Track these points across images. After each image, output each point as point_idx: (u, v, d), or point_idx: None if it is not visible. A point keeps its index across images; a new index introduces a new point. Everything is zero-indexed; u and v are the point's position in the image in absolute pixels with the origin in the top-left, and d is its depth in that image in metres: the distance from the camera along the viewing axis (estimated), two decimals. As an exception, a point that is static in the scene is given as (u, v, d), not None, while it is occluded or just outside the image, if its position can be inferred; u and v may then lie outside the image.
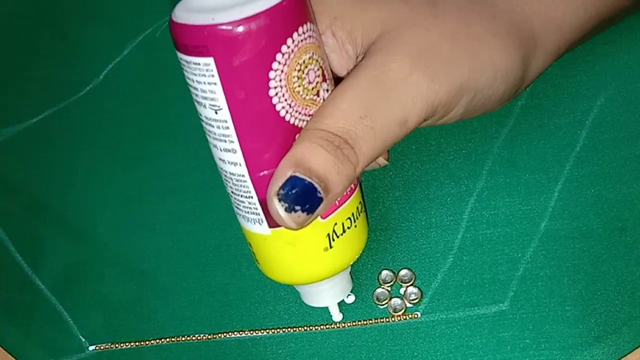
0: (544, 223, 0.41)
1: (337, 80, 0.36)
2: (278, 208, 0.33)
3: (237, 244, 0.44)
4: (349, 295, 0.41)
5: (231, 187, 0.36)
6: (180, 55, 0.33)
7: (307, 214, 0.33)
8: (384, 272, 0.42)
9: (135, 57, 0.52)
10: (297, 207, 0.33)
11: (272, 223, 0.35)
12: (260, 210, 0.35)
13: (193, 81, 0.33)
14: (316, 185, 0.33)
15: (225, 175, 0.35)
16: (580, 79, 0.45)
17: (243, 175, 0.34)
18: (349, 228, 0.37)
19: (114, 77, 0.52)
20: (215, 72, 0.32)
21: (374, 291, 0.41)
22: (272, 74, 0.32)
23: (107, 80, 0.52)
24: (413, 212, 0.43)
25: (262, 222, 0.36)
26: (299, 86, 0.33)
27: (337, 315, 0.41)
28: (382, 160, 0.41)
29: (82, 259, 0.46)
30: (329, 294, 0.39)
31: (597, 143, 0.43)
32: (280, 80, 0.33)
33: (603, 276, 0.40)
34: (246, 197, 0.35)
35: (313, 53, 0.34)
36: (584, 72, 0.45)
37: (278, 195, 0.33)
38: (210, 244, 0.45)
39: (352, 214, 0.37)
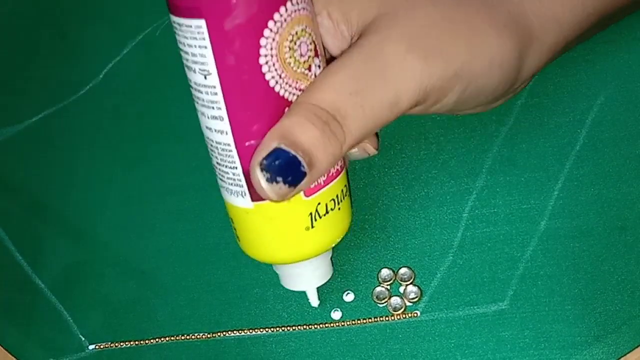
0: (544, 222, 0.41)
1: (332, 61, 0.36)
2: (260, 178, 0.33)
3: (236, 242, 0.44)
4: (348, 293, 0.41)
5: (216, 157, 0.35)
6: (173, 18, 0.33)
7: (289, 187, 0.33)
8: (384, 271, 0.42)
9: (135, 57, 0.52)
10: (279, 179, 0.33)
11: (255, 196, 0.35)
12: (244, 182, 0.35)
13: (184, 45, 0.33)
14: (300, 158, 0.33)
15: (211, 145, 0.35)
16: (580, 78, 0.45)
17: (229, 144, 0.34)
18: (332, 209, 0.37)
19: (114, 76, 0.52)
20: (206, 35, 0.32)
21: (374, 290, 0.41)
22: (263, 41, 0.32)
23: (107, 80, 0.52)
24: (412, 210, 0.43)
25: (245, 194, 0.35)
26: (290, 57, 0.33)
27: (314, 301, 0.41)
28: (371, 150, 0.41)
29: (82, 259, 0.46)
30: (307, 278, 0.39)
31: (597, 142, 0.43)
32: (272, 49, 0.32)
33: (603, 275, 0.40)
34: (231, 167, 0.35)
35: (306, 26, 0.34)
36: (584, 71, 0.45)
37: (261, 165, 0.33)
38: (209, 243, 0.45)
39: (337, 196, 0.37)
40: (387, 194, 0.44)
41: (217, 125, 0.34)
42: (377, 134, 0.41)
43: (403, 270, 0.42)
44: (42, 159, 0.50)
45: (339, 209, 0.37)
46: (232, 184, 0.36)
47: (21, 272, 0.46)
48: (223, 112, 0.34)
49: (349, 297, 0.42)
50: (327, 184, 0.36)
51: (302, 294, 0.42)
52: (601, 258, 0.40)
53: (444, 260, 0.41)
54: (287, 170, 0.33)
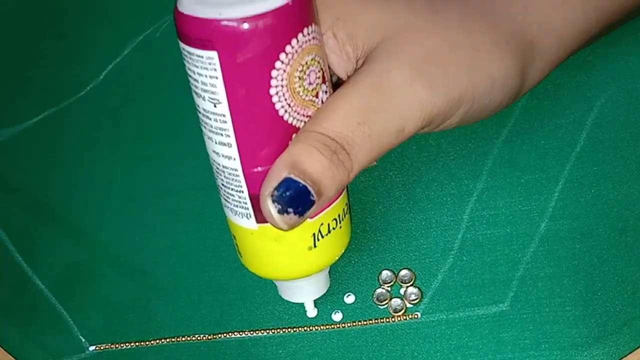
0: (544, 223, 0.41)
1: (336, 81, 0.36)
2: (271, 209, 0.33)
3: (237, 244, 0.44)
4: (349, 295, 0.41)
5: (222, 180, 0.36)
6: (183, 46, 0.33)
7: (299, 216, 0.33)
8: (384, 273, 0.42)
9: (135, 57, 0.52)
10: (290, 210, 0.33)
11: (260, 219, 0.35)
12: (249, 205, 0.35)
13: (194, 73, 0.33)
14: (310, 188, 0.33)
15: (217, 168, 0.35)
16: (581, 80, 0.45)
17: (236, 170, 0.34)
18: (334, 229, 0.37)
19: (114, 77, 0.52)
20: (217, 67, 0.32)
21: (374, 291, 0.41)
22: (274, 73, 0.32)
23: (107, 80, 0.52)
24: (413, 212, 0.43)
25: (250, 216, 0.36)
26: (300, 87, 0.33)
27: (311, 312, 0.41)
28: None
29: (82, 259, 0.46)
30: (306, 291, 0.40)
31: (598, 143, 0.43)
32: (282, 80, 0.33)
33: (603, 276, 0.40)
34: (237, 191, 0.35)
35: (315, 54, 0.34)
36: (584, 72, 0.45)
37: (272, 196, 0.33)
38: (210, 244, 0.45)
39: (338, 215, 0.37)
40: (388, 195, 0.44)
41: (224, 151, 0.34)
42: None
43: (404, 272, 0.42)
44: (42, 159, 0.50)
45: (340, 227, 0.38)
46: (237, 206, 0.36)
47: (21, 272, 0.46)
48: (232, 140, 0.34)
49: (349, 298, 0.42)
50: (330, 204, 0.36)
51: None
52: (601, 259, 0.40)
53: (445, 262, 0.42)
54: (297, 200, 0.33)
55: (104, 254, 0.46)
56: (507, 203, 0.42)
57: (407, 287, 0.41)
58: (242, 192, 0.35)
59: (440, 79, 0.35)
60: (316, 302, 0.41)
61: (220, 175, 0.36)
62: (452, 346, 0.40)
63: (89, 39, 0.54)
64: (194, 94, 0.34)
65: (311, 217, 0.36)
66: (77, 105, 0.51)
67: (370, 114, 0.34)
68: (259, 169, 0.34)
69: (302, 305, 0.42)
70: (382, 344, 0.40)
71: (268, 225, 0.35)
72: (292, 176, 0.33)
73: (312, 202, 0.33)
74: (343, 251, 0.39)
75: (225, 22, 0.31)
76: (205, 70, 0.32)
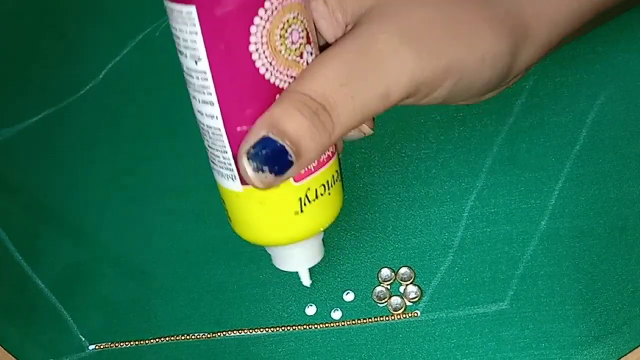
0: (544, 221, 0.41)
1: (325, 47, 0.36)
2: (246, 166, 0.33)
3: (235, 242, 0.44)
4: (348, 293, 0.41)
5: (207, 141, 0.36)
6: (165, 3, 0.33)
7: (275, 176, 0.33)
8: (384, 271, 0.42)
9: (134, 57, 0.52)
10: (265, 168, 0.33)
11: (244, 180, 0.35)
12: (234, 166, 0.35)
13: (176, 29, 0.33)
14: (287, 148, 0.33)
15: (203, 128, 0.36)
16: (581, 78, 0.44)
17: (219, 129, 0.34)
18: (322, 195, 0.37)
19: (114, 76, 0.52)
20: (196, 21, 0.32)
21: (374, 289, 0.41)
22: (253, 29, 0.32)
23: (107, 80, 0.52)
24: (413, 210, 0.43)
25: (235, 178, 0.36)
26: (282, 45, 0.33)
27: (306, 280, 0.41)
28: (367, 129, 0.41)
29: (82, 259, 0.46)
30: (298, 259, 0.40)
31: (598, 142, 0.43)
32: (262, 37, 0.32)
33: (603, 275, 0.40)
34: (221, 151, 0.35)
35: (298, 13, 0.34)
36: (584, 70, 0.45)
37: (248, 153, 0.33)
38: (209, 244, 0.45)
39: (327, 182, 0.37)
40: (387, 193, 0.44)
41: (208, 109, 0.34)
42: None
43: (403, 270, 0.42)
44: (42, 159, 0.50)
45: (329, 194, 0.37)
46: (222, 167, 0.36)
47: (21, 272, 0.46)
48: (213, 98, 0.34)
49: (349, 296, 0.42)
50: (318, 169, 0.36)
51: (301, 293, 0.42)
52: (601, 258, 0.40)
53: (444, 260, 0.41)
54: (274, 159, 0.33)
55: (104, 253, 0.46)
56: (507, 201, 0.42)
57: (407, 285, 0.41)
58: (226, 152, 0.35)
59: (429, 46, 0.35)
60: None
61: (206, 135, 0.36)
62: (451, 344, 0.40)
63: (88, 39, 0.54)
64: (178, 53, 0.34)
65: (296, 181, 0.36)
66: (76, 105, 0.51)
67: (354, 76, 0.34)
68: (243, 127, 0.34)
69: (301, 303, 0.42)
70: (381, 343, 0.40)
71: (253, 187, 0.35)
72: (271, 135, 0.33)
73: (290, 163, 0.33)
74: (332, 219, 0.39)
75: None
76: (185, 25, 0.32)
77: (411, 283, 0.41)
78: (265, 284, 0.43)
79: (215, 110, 0.34)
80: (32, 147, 0.51)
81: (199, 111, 0.35)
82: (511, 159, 0.43)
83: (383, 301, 0.41)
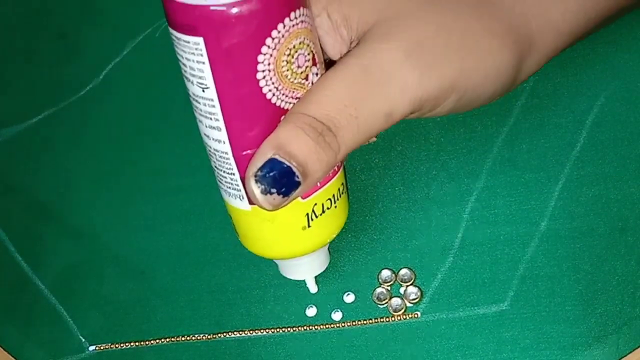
0: (544, 222, 0.41)
1: (330, 62, 0.36)
2: (254, 189, 0.33)
3: (236, 243, 0.44)
4: (349, 294, 0.41)
5: (214, 162, 0.36)
6: (171, 31, 0.33)
7: (283, 197, 0.33)
8: (384, 272, 0.42)
9: (134, 57, 0.52)
10: (274, 190, 0.33)
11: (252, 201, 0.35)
12: (241, 187, 0.35)
13: (182, 57, 0.33)
14: (294, 169, 0.33)
15: (209, 150, 0.36)
16: (581, 79, 0.44)
17: (226, 153, 0.35)
18: (328, 209, 0.37)
19: (114, 77, 0.52)
20: (204, 52, 0.32)
21: (374, 291, 0.41)
22: (260, 58, 0.32)
23: (107, 80, 0.52)
24: (413, 211, 0.43)
25: (242, 198, 0.36)
26: (288, 70, 0.33)
27: (313, 288, 0.41)
28: (371, 138, 0.41)
29: (82, 259, 0.46)
30: (306, 269, 0.40)
31: (598, 142, 0.43)
32: (269, 64, 0.33)
33: (603, 276, 0.40)
34: (228, 173, 0.35)
35: (304, 38, 0.34)
36: (584, 71, 0.45)
37: (256, 176, 0.33)
38: (209, 244, 0.45)
39: (333, 195, 0.37)
40: (388, 194, 0.44)
41: (214, 134, 0.34)
42: None
43: (403, 271, 0.42)
44: (42, 159, 0.50)
45: (335, 207, 0.38)
46: (230, 188, 0.36)
47: (21, 272, 0.46)
48: (221, 124, 0.34)
49: (349, 298, 0.42)
50: (324, 185, 0.37)
51: (302, 294, 0.42)
52: (602, 259, 0.40)
53: (445, 261, 0.41)
54: (282, 181, 0.33)
55: (104, 254, 0.46)
56: (507, 202, 0.42)
57: (407, 286, 0.41)
58: (234, 174, 0.35)
59: (433, 64, 0.35)
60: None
61: (213, 157, 0.36)
62: (452, 346, 0.40)
63: (88, 39, 0.54)
64: (184, 79, 0.34)
65: (303, 198, 0.36)
66: (76, 105, 0.51)
67: (358, 96, 0.34)
68: (249, 151, 0.34)
69: (301, 304, 0.42)
70: (381, 344, 0.40)
71: None
72: (277, 157, 0.33)
73: (298, 184, 0.33)
74: (339, 230, 0.39)
75: (210, 8, 0.31)
76: (193, 55, 0.33)
77: (411, 284, 0.41)
78: (265, 285, 0.43)
79: (223, 135, 0.34)
80: (32, 147, 0.51)
81: (205, 135, 0.35)
82: (511, 160, 0.43)
83: (383, 302, 0.41)
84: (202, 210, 0.46)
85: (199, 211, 0.46)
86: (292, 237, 0.37)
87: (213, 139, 0.35)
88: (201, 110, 0.34)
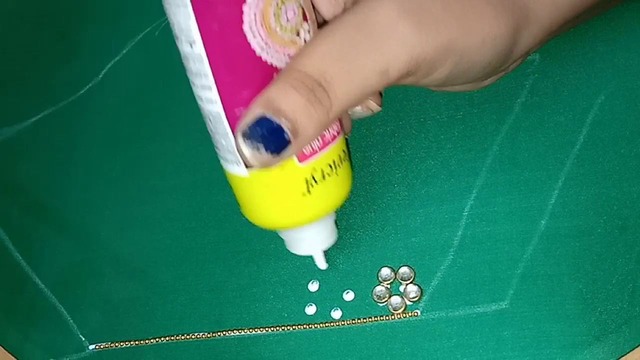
0: (544, 221, 0.41)
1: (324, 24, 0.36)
2: (243, 147, 0.32)
3: (235, 241, 0.44)
4: (348, 292, 0.41)
5: (210, 126, 0.35)
6: None
7: (272, 155, 0.33)
8: (384, 270, 0.42)
9: (134, 57, 0.52)
10: (262, 147, 0.32)
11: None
12: (236, 151, 0.35)
13: (170, 14, 0.33)
14: (284, 126, 0.32)
15: (204, 114, 0.35)
16: (581, 77, 0.44)
17: (219, 113, 0.34)
18: (329, 175, 0.36)
19: (113, 76, 0.52)
20: (188, 2, 0.32)
21: (374, 289, 0.41)
22: (245, 8, 0.32)
23: (107, 80, 0.52)
24: (413, 209, 0.43)
25: (239, 163, 0.35)
26: (276, 23, 0.33)
27: (322, 263, 0.40)
28: (374, 106, 0.40)
29: (82, 259, 0.46)
30: (311, 242, 0.39)
31: (598, 141, 0.43)
32: (255, 15, 0.32)
33: (603, 275, 0.40)
34: (223, 135, 0.35)
35: None
36: (584, 70, 0.45)
37: (244, 134, 0.32)
38: (208, 243, 0.45)
39: (333, 162, 0.36)
40: (387, 192, 0.44)
41: (206, 94, 0.34)
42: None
43: (403, 270, 0.42)
44: (42, 159, 0.50)
45: (337, 174, 0.37)
46: (226, 152, 0.36)
47: (21, 272, 0.46)
48: (211, 81, 0.33)
49: (349, 296, 0.41)
50: (322, 149, 0.36)
51: (301, 293, 0.42)
52: (601, 257, 0.40)
53: (444, 260, 0.41)
54: (270, 138, 0.32)
55: (104, 253, 0.46)
56: (507, 200, 0.42)
57: (407, 284, 0.41)
58: (228, 136, 0.35)
59: (430, 23, 0.34)
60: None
61: (208, 121, 0.35)
62: (451, 344, 0.39)
63: (88, 39, 0.54)
64: (175, 39, 0.34)
65: (300, 161, 0.35)
66: (76, 105, 0.52)
67: (351, 51, 0.33)
68: (241, 109, 0.34)
69: (301, 303, 0.42)
70: (381, 342, 0.40)
71: (258, 170, 0.35)
72: (266, 114, 0.32)
73: (287, 141, 0.33)
74: (342, 200, 0.38)
75: None
76: (178, 7, 0.32)
77: (411, 282, 0.41)
78: (265, 283, 0.43)
79: (214, 94, 0.34)
80: (32, 147, 0.51)
81: (199, 96, 0.35)
82: (511, 158, 0.43)
83: (383, 301, 0.41)
84: (202, 208, 0.46)
85: (198, 210, 0.46)
86: (292, 204, 0.36)
87: (205, 100, 0.34)
88: (192, 69, 0.34)
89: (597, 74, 0.44)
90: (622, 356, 0.38)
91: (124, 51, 0.53)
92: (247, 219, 0.38)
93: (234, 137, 0.33)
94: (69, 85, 0.52)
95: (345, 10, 0.36)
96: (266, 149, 0.32)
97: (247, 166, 0.35)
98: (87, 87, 0.52)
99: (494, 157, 0.43)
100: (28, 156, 0.51)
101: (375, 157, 0.45)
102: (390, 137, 0.45)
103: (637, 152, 0.42)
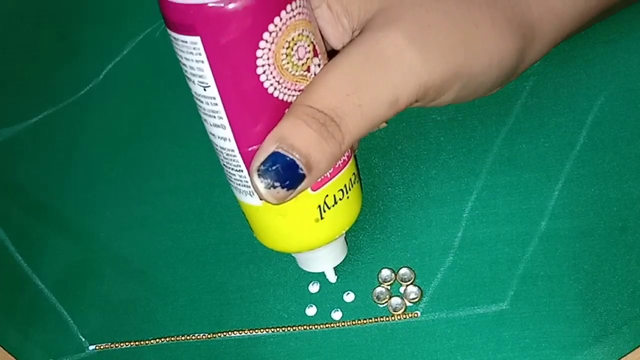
0: (544, 222, 0.41)
1: (333, 53, 0.36)
2: (258, 184, 0.33)
3: (236, 243, 0.44)
4: (348, 293, 0.41)
5: (222, 160, 0.36)
6: (169, 32, 0.33)
7: (288, 190, 0.33)
8: (384, 271, 0.42)
9: (134, 57, 0.52)
10: (277, 184, 0.33)
11: None
12: (250, 183, 0.35)
13: (182, 57, 0.33)
14: (298, 162, 0.33)
15: (217, 149, 0.36)
16: (581, 78, 0.44)
17: (233, 150, 0.35)
18: (340, 199, 0.37)
19: (114, 76, 0.52)
20: (202, 51, 0.32)
21: (374, 290, 0.41)
22: (259, 53, 0.32)
23: (107, 80, 0.52)
24: (413, 210, 0.43)
25: (252, 194, 0.36)
26: (288, 63, 0.33)
27: (332, 278, 0.41)
28: (381, 125, 0.40)
29: (82, 259, 0.46)
30: (323, 260, 0.40)
31: (598, 142, 0.43)
32: (268, 59, 0.32)
33: (603, 275, 0.40)
34: (237, 170, 0.35)
35: (303, 29, 0.33)
36: (584, 71, 0.45)
37: (259, 170, 0.33)
38: (209, 243, 0.45)
39: (345, 186, 0.37)
40: (387, 194, 0.44)
41: (220, 132, 0.35)
42: None
43: (403, 271, 0.42)
44: (42, 159, 0.50)
45: (348, 197, 0.38)
46: (239, 184, 0.36)
47: (21, 272, 0.46)
48: (225, 121, 0.34)
49: (349, 297, 0.41)
50: (334, 176, 0.36)
51: (302, 294, 0.42)
52: (602, 258, 0.40)
53: (445, 261, 0.41)
54: (285, 174, 0.33)
55: (104, 253, 0.46)
56: (507, 201, 0.42)
57: (407, 285, 0.41)
58: (242, 171, 0.35)
59: (436, 50, 0.35)
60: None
61: (221, 155, 0.36)
62: (452, 345, 0.39)
63: (88, 39, 0.54)
64: (186, 79, 0.34)
65: (313, 190, 0.36)
66: (76, 105, 0.52)
67: (361, 84, 0.34)
68: (255, 147, 0.34)
69: (301, 304, 0.42)
70: (381, 343, 0.40)
71: None
72: (280, 150, 0.33)
73: (302, 176, 0.33)
74: (354, 220, 0.39)
75: (205, 6, 0.31)
76: (191, 54, 0.33)
77: (411, 283, 0.41)
78: (265, 284, 0.43)
79: (228, 133, 0.34)
80: (32, 147, 0.51)
81: (211, 133, 0.35)
82: (511, 160, 0.43)
83: (383, 302, 0.41)
84: (202, 209, 0.46)
85: (198, 211, 0.46)
86: (306, 230, 0.37)
87: (219, 137, 0.35)
88: (205, 109, 0.34)
89: (597, 76, 0.44)
90: (622, 357, 0.38)
91: (125, 52, 0.53)
92: (259, 242, 0.39)
93: (249, 174, 0.34)
94: (69, 85, 0.52)
95: (352, 38, 0.37)
96: (282, 185, 0.33)
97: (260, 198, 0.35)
98: (88, 87, 0.52)
99: (494, 158, 0.43)
100: (28, 156, 0.51)
101: (376, 159, 0.45)
102: (391, 139, 0.45)
103: (637, 153, 0.42)
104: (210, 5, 0.31)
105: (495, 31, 0.36)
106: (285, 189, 0.33)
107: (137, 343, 0.43)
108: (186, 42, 0.32)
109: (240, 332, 0.42)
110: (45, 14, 0.56)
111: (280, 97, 0.34)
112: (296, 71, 0.34)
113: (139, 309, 0.44)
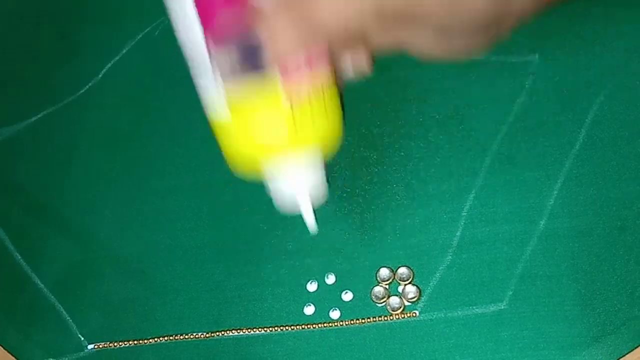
0: (543, 221, 0.41)
1: None
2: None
3: (234, 242, 0.44)
4: (347, 292, 0.41)
5: (192, 62, 0.35)
6: None
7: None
8: (382, 270, 0.42)
9: (134, 56, 0.52)
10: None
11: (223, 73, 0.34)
12: (209, 63, 0.34)
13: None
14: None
15: (186, 51, 0.35)
16: (580, 77, 0.44)
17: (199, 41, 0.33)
18: (314, 104, 0.35)
19: (113, 76, 0.52)
20: None
21: (372, 289, 0.41)
22: None
23: (106, 79, 0.52)
24: (411, 209, 0.43)
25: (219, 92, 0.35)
26: None
27: (311, 221, 0.38)
28: (365, 67, 0.39)
29: (81, 259, 0.46)
30: (297, 182, 0.37)
31: (597, 141, 0.43)
32: None
33: (602, 275, 0.40)
34: (204, 66, 0.34)
35: None
36: (583, 70, 0.45)
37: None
38: (208, 243, 0.45)
39: (321, 92, 0.35)
40: (386, 192, 0.44)
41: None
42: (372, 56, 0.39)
43: (402, 270, 0.41)
44: (42, 159, 0.50)
45: (322, 108, 0.36)
46: (204, 70, 0.35)
47: (21, 272, 0.46)
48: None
49: (347, 296, 0.41)
50: (308, 76, 0.35)
51: (300, 293, 0.42)
52: (601, 258, 0.40)
53: (443, 260, 0.41)
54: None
55: (104, 253, 0.46)
56: (506, 200, 0.42)
57: (405, 285, 0.41)
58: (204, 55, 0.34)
59: None
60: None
61: (190, 57, 0.35)
62: (450, 345, 0.39)
63: (88, 39, 0.54)
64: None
65: (284, 80, 0.34)
66: (76, 105, 0.52)
67: None
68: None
69: (299, 303, 0.42)
70: (380, 342, 0.40)
71: (239, 105, 0.34)
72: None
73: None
74: (327, 140, 0.36)
75: None
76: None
77: (410, 283, 0.41)
78: (263, 283, 0.43)
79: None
80: (32, 146, 0.51)
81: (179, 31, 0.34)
82: (510, 159, 0.43)
83: (381, 301, 0.41)
84: (201, 209, 0.46)
85: (197, 210, 0.46)
86: (277, 130, 0.35)
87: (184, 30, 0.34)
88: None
89: (596, 75, 0.44)
90: (621, 357, 0.38)
91: (124, 51, 0.53)
92: (232, 167, 0.37)
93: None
94: (68, 85, 0.52)
95: None
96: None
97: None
98: (87, 87, 0.52)
99: (493, 157, 0.43)
100: (28, 156, 0.51)
101: (374, 157, 0.45)
102: (389, 137, 0.45)
103: (637, 152, 0.42)
104: None
105: None
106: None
107: (136, 342, 0.43)
108: None
109: (239, 331, 0.42)
110: (45, 14, 0.56)
111: None
112: None
113: (137, 308, 0.44)
